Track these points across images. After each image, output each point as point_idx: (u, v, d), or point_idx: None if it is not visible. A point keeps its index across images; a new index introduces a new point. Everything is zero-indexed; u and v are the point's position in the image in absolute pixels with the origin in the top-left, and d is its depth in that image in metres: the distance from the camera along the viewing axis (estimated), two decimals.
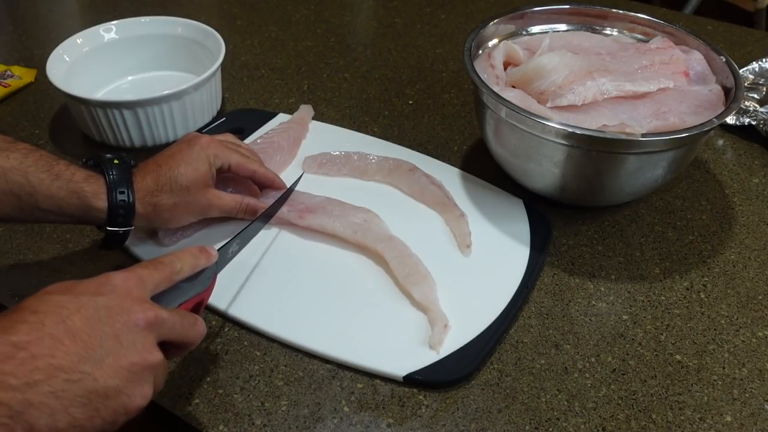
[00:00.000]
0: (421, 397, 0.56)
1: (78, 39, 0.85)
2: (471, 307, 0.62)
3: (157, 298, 0.47)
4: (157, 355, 0.44)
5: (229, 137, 0.71)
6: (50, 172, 0.57)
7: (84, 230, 0.70)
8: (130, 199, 0.59)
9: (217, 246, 0.55)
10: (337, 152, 0.78)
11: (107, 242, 0.62)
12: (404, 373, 0.56)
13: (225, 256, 0.56)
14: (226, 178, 0.68)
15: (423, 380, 0.56)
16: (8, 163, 0.55)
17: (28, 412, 0.37)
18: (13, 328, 0.39)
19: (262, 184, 0.70)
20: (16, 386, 0.37)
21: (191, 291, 0.50)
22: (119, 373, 0.41)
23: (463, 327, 0.60)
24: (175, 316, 0.46)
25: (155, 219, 0.63)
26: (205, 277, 0.52)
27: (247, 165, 0.67)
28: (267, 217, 0.66)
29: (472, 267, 0.66)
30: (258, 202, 0.68)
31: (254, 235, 0.63)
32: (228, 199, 0.66)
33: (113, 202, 0.58)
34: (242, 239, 0.59)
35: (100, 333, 0.41)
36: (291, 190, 0.70)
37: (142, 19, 0.90)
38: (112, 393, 0.41)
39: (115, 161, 0.60)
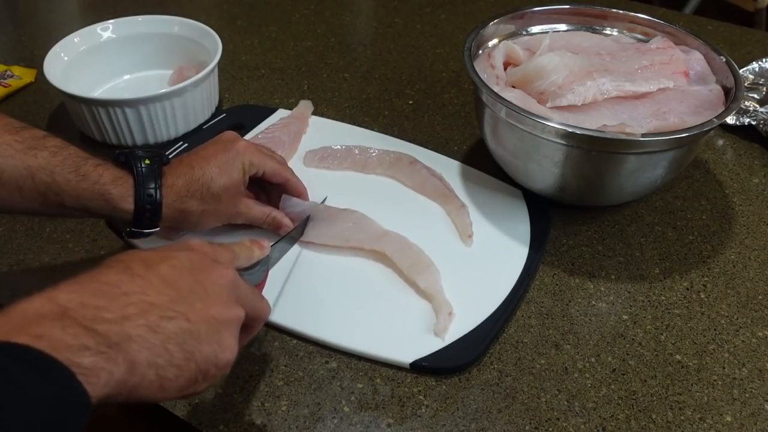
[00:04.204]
0: (421, 397, 0.56)
1: (75, 38, 0.85)
2: (474, 294, 0.63)
3: None
4: (241, 311, 0.44)
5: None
6: (77, 173, 0.55)
7: (84, 230, 0.71)
8: (158, 202, 0.58)
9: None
10: (338, 146, 0.79)
11: (131, 235, 0.61)
12: (411, 360, 0.57)
13: (274, 253, 0.57)
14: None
15: (429, 366, 0.57)
16: (36, 162, 0.54)
17: (128, 344, 0.36)
18: (101, 272, 0.39)
19: (290, 193, 0.69)
20: (113, 319, 0.37)
21: (248, 281, 0.50)
22: (209, 319, 0.41)
23: (467, 314, 0.61)
24: (248, 286, 0.47)
25: (182, 223, 0.62)
26: (260, 270, 0.52)
27: (281, 172, 0.67)
28: (304, 224, 0.67)
29: (474, 256, 0.67)
30: (283, 216, 0.67)
31: (297, 239, 0.65)
32: (256, 210, 0.65)
33: (140, 204, 0.57)
34: (287, 242, 0.61)
35: (188, 280, 0.41)
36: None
37: (139, 17, 0.90)
38: (205, 338, 0.40)
39: (147, 161, 0.58)
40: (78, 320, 0.35)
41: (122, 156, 0.59)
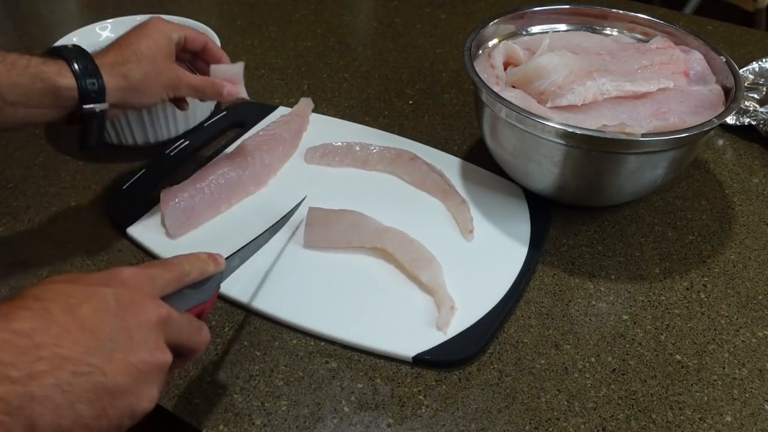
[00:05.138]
0: (421, 397, 0.56)
1: (74, 37, 0.85)
2: (475, 289, 0.63)
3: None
4: (168, 356, 0.41)
5: None
6: (4, 63, 0.54)
7: (84, 230, 0.71)
8: (96, 67, 0.57)
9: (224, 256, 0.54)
10: (339, 143, 0.79)
11: (85, 136, 0.60)
12: (413, 354, 0.57)
13: (229, 267, 0.55)
14: None
15: (431, 360, 0.57)
16: None
17: (30, 406, 0.34)
18: (15, 314, 0.36)
19: (211, 56, 0.69)
20: (18, 378, 0.34)
21: (195, 299, 0.49)
22: (129, 370, 0.38)
23: (469, 308, 0.61)
24: (183, 319, 0.44)
25: (129, 92, 0.60)
26: (210, 286, 0.51)
27: (200, 37, 0.68)
28: (272, 231, 0.65)
29: (475, 251, 0.68)
30: (223, 82, 0.68)
31: (257, 249, 0.62)
32: (195, 77, 0.66)
33: (79, 74, 0.56)
34: (245, 253, 0.59)
35: (110, 325, 0.39)
36: (295, 209, 0.69)
37: (138, 17, 0.89)
38: (120, 391, 0.38)
39: (69, 46, 0.58)
40: None
41: (43, 54, 0.58)
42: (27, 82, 0.55)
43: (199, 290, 0.49)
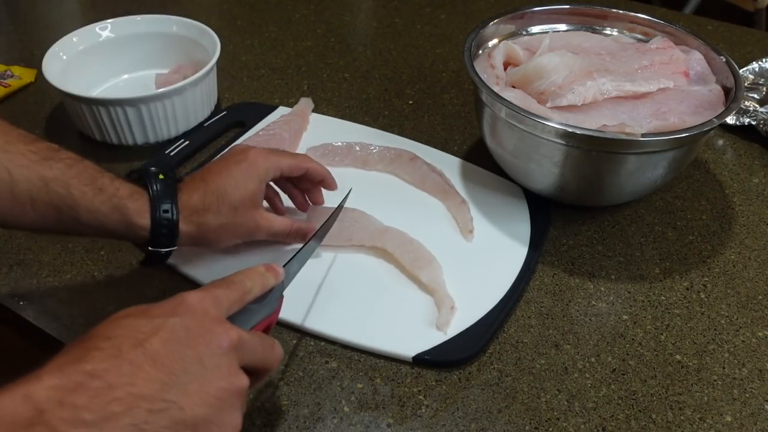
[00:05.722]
0: (421, 397, 0.56)
1: (74, 37, 0.85)
2: (475, 289, 0.63)
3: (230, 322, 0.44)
4: (244, 379, 0.41)
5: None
6: (93, 186, 0.54)
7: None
8: (174, 217, 0.56)
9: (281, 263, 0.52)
10: (339, 143, 0.79)
11: (148, 260, 0.59)
12: (413, 354, 0.57)
13: (288, 274, 0.53)
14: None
15: (431, 360, 0.57)
16: (51, 173, 0.52)
17: None
18: (87, 356, 0.36)
19: (315, 179, 0.66)
20: (92, 421, 0.34)
21: (260, 313, 0.47)
22: (207, 400, 0.38)
23: (469, 308, 0.61)
24: (255, 339, 0.43)
25: (200, 239, 0.59)
26: (273, 297, 0.49)
27: (300, 164, 0.64)
28: (321, 236, 0.62)
29: (475, 251, 0.68)
30: (308, 224, 0.64)
31: (311, 253, 0.59)
32: (278, 222, 0.62)
33: (156, 220, 0.55)
34: (301, 257, 0.56)
35: (182, 356, 0.38)
36: (341, 207, 0.66)
37: (138, 17, 0.90)
38: (201, 423, 0.37)
39: (161, 176, 0.57)
40: (53, 425, 0.33)
41: (135, 173, 0.57)
42: (107, 210, 0.54)
43: (262, 304, 0.48)
